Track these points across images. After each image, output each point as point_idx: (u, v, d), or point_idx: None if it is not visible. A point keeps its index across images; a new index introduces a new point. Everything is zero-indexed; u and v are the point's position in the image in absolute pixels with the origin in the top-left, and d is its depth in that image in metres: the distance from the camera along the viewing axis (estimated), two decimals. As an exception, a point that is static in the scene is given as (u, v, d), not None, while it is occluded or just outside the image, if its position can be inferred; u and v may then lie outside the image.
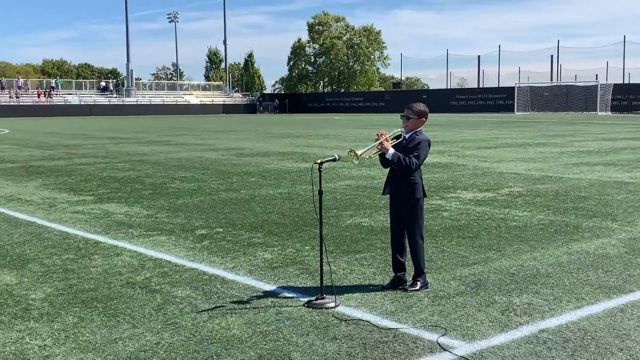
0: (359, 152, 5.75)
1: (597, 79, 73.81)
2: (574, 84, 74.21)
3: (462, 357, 4.49)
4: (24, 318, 5.36)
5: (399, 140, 6.07)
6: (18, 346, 4.75)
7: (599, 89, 68.86)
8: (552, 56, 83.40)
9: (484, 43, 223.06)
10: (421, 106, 6.08)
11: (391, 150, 5.88)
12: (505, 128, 37.72)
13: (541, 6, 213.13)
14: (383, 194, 6.24)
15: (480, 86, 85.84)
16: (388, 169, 6.11)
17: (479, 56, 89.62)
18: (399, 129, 6.16)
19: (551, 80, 79.85)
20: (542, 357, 4.48)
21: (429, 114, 6.22)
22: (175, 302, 5.74)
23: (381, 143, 5.89)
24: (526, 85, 76.82)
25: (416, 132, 6.04)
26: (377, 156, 6.05)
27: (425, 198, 6.14)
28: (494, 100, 78.34)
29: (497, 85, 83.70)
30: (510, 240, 8.04)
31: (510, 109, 74.09)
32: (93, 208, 10.72)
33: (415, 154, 5.90)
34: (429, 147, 6.09)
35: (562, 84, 75.92)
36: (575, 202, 10.82)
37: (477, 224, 9.01)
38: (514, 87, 75.92)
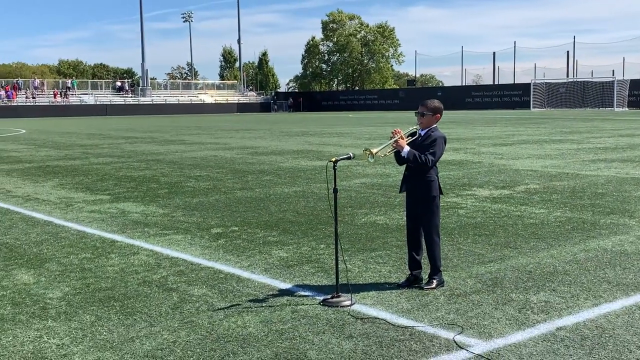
0: (374, 151, 5.74)
1: (613, 74, 73.25)
2: (590, 80, 73.67)
3: (479, 355, 4.47)
4: (42, 317, 5.40)
5: (414, 138, 6.05)
6: (36, 345, 4.79)
7: (615, 85, 68.31)
8: (567, 52, 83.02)
9: (499, 39, 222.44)
10: (435, 102, 6.05)
11: (406, 148, 5.86)
12: (521, 125, 37.53)
13: (556, 2, 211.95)
14: (400, 191, 6.23)
15: (496, 83, 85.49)
16: (404, 167, 6.10)
17: (494, 53, 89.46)
18: (415, 126, 6.14)
19: (567, 76, 79.35)
20: (560, 355, 4.45)
21: (444, 111, 6.20)
22: (191, 300, 5.75)
23: (396, 141, 5.87)
24: (542, 81, 76.34)
25: (431, 129, 6.02)
26: (393, 154, 6.04)
27: (441, 195, 6.12)
28: (510, 96, 78.00)
29: (512, 82, 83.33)
30: (527, 237, 8.00)
31: (526, 105, 73.70)
32: (109, 207, 10.78)
33: (431, 151, 5.88)
34: (445, 144, 6.07)
35: (578, 80, 75.38)
36: (592, 199, 10.74)
37: (493, 222, 8.97)
38: (529, 84, 75.48)
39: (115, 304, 5.70)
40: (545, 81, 76.39)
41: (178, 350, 4.63)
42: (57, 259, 7.32)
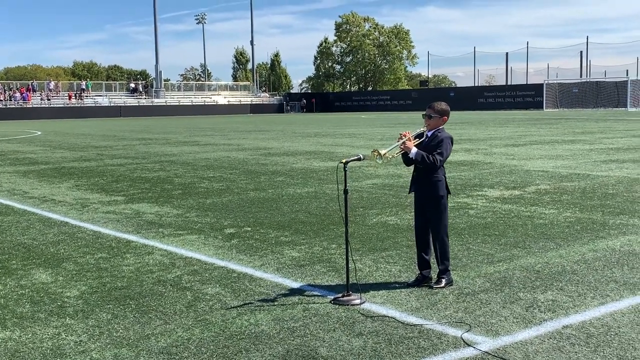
0: (382, 152, 5.86)
1: (627, 74, 72.85)
2: (604, 80, 73.32)
3: (486, 352, 4.57)
4: (60, 315, 5.54)
5: (421, 140, 6.16)
6: (55, 342, 4.93)
7: (629, 85, 67.95)
8: (581, 52, 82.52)
9: (512, 39, 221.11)
10: (443, 105, 6.17)
11: (414, 150, 5.97)
12: (533, 125, 37.46)
13: (569, 1, 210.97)
14: (409, 192, 6.34)
15: (509, 83, 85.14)
16: (412, 168, 6.21)
17: (507, 53, 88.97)
18: (422, 128, 6.26)
19: (580, 76, 78.96)
20: (565, 352, 4.54)
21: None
22: (205, 299, 5.88)
23: (404, 143, 5.99)
24: (555, 81, 76.00)
25: (438, 130, 6.14)
26: (400, 155, 6.16)
27: (449, 195, 6.22)
28: (522, 97, 77.67)
29: (525, 82, 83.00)
30: (536, 237, 8.07)
31: (539, 106, 73.41)
32: (124, 208, 10.94)
33: (439, 151, 6.00)
34: (452, 144, 6.18)
35: (591, 80, 75.00)
36: (603, 200, 10.79)
37: (503, 222, 9.05)
38: (542, 84, 75.19)
39: (130, 302, 5.84)
40: (558, 81, 76.05)
41: (192, 347, 4.75)
42: (73, 259, 7.47)
